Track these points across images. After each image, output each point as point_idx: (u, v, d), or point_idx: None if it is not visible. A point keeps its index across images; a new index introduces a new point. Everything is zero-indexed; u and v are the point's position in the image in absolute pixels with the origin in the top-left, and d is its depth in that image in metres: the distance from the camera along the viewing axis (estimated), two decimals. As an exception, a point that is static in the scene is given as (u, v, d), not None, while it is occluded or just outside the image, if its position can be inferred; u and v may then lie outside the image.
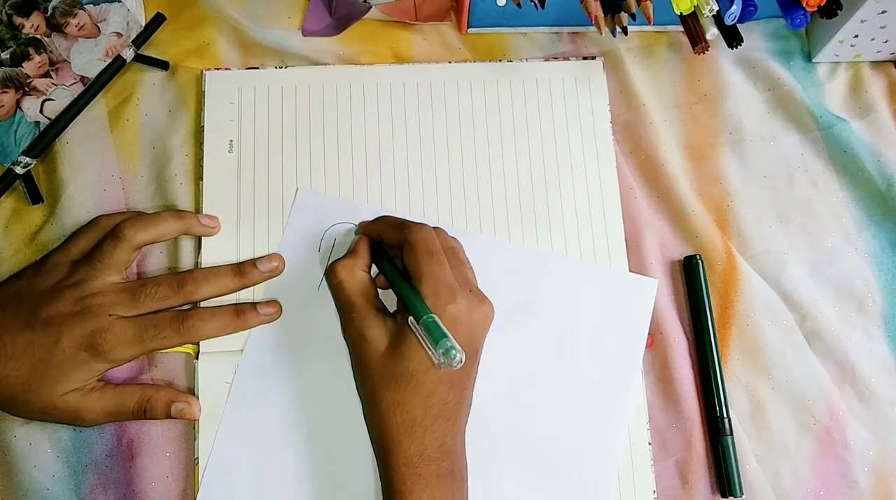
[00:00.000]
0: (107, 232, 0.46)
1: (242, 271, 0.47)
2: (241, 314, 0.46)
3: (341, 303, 0.45)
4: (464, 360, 0.38)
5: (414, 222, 0.45)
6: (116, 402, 0.44)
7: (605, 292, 0.49)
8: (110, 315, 0.43)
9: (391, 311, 0.45)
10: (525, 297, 0.49)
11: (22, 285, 0.44)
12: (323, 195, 0.50)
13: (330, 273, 0.45)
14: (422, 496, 0.40)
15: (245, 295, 0.48)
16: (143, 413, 0.44)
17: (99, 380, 0.44)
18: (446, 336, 0.39)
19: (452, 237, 0.47)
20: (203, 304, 0.47)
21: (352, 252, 0.46)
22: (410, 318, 0.41)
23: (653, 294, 0.49)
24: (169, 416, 0.45)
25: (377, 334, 0.42)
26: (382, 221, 0.47)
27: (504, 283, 0.48)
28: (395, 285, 0.44)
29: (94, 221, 0.47)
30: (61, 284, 0.44)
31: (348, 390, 0.46)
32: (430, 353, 0.40)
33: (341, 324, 0.45)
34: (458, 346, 0.38)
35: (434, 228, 0.46)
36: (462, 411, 0.43)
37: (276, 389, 0.46)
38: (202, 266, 0.48)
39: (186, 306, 0.46)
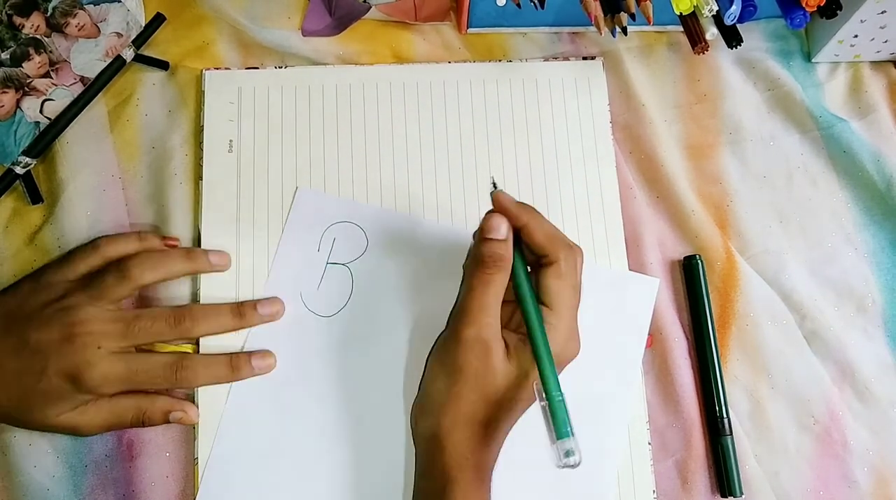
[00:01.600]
0: (108, 260, 0.45)
1: (242, 312, 0.46)
2: (236, 369, 0.45)
3: (480, 280, 0.40)
4: (580, 461, 0.37)
5: (569, 243, 0.41)
6: (113, 415, 0.43)
7: (605, 291, 0.49)
8: (99, 348, 0.42)
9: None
10: None
11: (15, 303, 0.44)
12: (322, 194, 0.50)
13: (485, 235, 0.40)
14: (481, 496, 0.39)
15: (244, 293, 0.48)
16: (142, 423, 0.44)
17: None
18: (568, 433, 0.37)
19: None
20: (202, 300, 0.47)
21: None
22: (537, 384, 0.39)
23: (653, 293, 0.49)
24: (168, 422, 0.44)
25: (499, 349, 0.39)
26: (535, 217, 0.41)
27: None
28: (528, 309, 0.40)
29: (96, 245, 0.46)
30: (53, 305, 0.43)
31: (349, 389, 0.46)
32: (549, 436, 0.38)
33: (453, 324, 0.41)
34: (578, 446, 0.37)
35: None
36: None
37: (275, 389, 0.46)
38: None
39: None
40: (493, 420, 0.40)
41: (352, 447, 0.45)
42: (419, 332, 0.47)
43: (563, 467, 0.37)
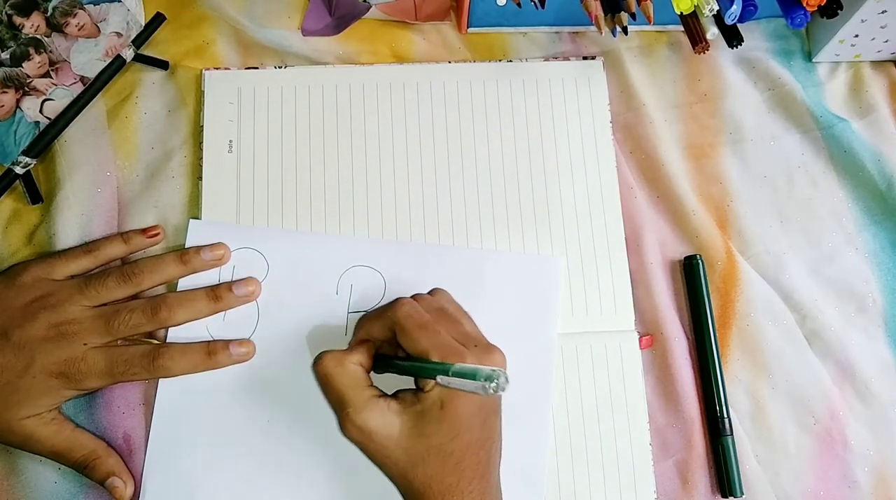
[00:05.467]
0: (101, 263, 0.46)
1: (218, 295, 0.46)
2: (213, 355, 0.45)
3: (332, 398, 0.42)
4: (508, 378, 0.37)
5: (392, 302, 0.43)
6: (67, 446, 0.43)
7: (510, 276, 0.49)
8: (84, 344, 0.43)
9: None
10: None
11: None
12: (215, 224, 0.48)
13: (316, 364, 0.42)
14: None
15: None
16: (84, 468, 0.44)
17: (61, 412, 0.44)
18: (479, 368, 0.37)
19: (434, 291, 0.46)
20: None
21: (346, 349, 0.43)
22: (440, 377, 0.39)
23: (559, 272, 0.49)
24: (103, 483, 0.44)
25: (384, 421, 0.40)
26: (364, 320, 0.44)
27: (410, 283, 0.48)
28: (404, 368, 0.42)
29: (88, 249, 0.46)
30: (37, 303, 0.43)
31: (267, 412, 0.45)
32: (477, 392, 0.38)
33: (338, 423, 0.41)
34: (494, 368, 0.37)
35: (413, 296, 0.45)
36: (495, 463, 0.42)
37: (194, 424, 0.45)
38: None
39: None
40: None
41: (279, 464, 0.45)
42: (328, 347, 0.46)
43: (501, 390, 0.36)
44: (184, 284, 0.47)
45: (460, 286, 0.48)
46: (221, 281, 0.47)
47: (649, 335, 0.49)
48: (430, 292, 0.46)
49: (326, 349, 0.42)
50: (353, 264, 0.48)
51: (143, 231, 0.48)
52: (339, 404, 0.41)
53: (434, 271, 0.49)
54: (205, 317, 0.46)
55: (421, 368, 0.41)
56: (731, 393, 0.49)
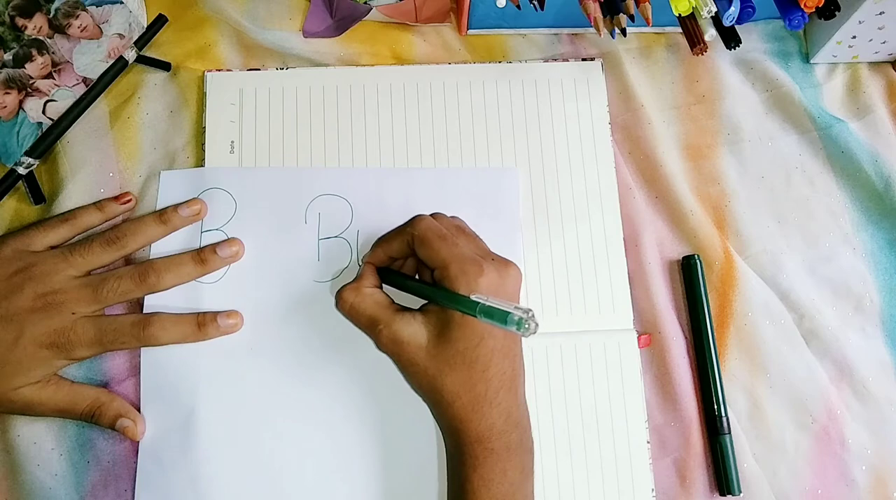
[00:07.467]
0: (79, 232, 0.47)
1: (203, 258, 0.47)
2: (203, 327, 0.46)
3: (362, 323, 0.43)
4: (536, 318, 0.38)
5: (412, 218, 0.45)
6: (69, 401, 0.44)
7: (473, 190, 0.50)
8: (73, 313, 0.43)
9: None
10: (402, 213, 0.48)
11: None
12: (183, 171, 0.50)
13: (339, 301, 0.44)
14: (494, 470, 0.40)
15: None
16: (91, 417, 0.44)
17: (55, 374, 0.44)
18: (509, 312, 0.38)
19: (452, 217, 0.47)
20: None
21: (355, 278, 0.45)
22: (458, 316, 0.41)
23: (516, 181, 0.51)
24: (113, 427, 0.44)
25: (412, 331, 0.42)
26: (381, 240, 0.46)
27: (378, 207, 0.49)
28: (422, 292, 0.44)
29: (65, 218, 0.47)
30: (21, 275, 0.44)
31: (241, 344, 0.47)
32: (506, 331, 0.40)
33: (374, 343, 0.43)
34: (521, 310, 0.38)
35: (432, 214, 0.46)
36: (520, 378, 0.43)
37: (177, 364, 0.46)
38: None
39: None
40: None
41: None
42: (299, 281, 0.48)
43: (532, 333, 0.38)
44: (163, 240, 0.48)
45: (427, 204, 0.49)
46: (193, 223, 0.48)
47: (648, 334, 0.49)
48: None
49: (342, 286, 0.44)
50: (319, 194, 0.49)
51: (115, 198, 0.48)
52: (370, 325, 0.43)
53: (399, 191, 0.50)
54: (192, 280, 0.47)
55: (437, 297, 0.42)
56: (728, 392, 0.49)
